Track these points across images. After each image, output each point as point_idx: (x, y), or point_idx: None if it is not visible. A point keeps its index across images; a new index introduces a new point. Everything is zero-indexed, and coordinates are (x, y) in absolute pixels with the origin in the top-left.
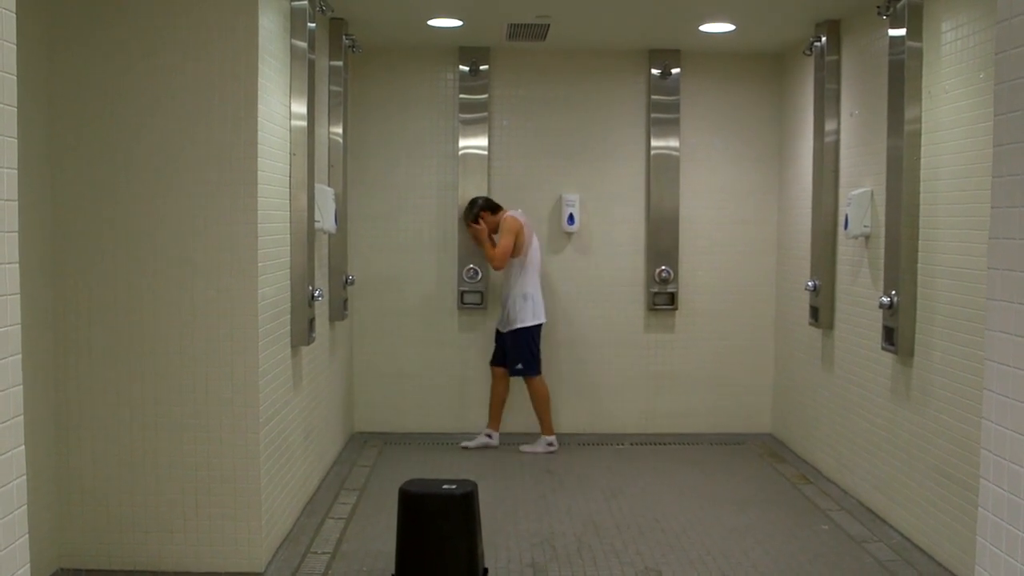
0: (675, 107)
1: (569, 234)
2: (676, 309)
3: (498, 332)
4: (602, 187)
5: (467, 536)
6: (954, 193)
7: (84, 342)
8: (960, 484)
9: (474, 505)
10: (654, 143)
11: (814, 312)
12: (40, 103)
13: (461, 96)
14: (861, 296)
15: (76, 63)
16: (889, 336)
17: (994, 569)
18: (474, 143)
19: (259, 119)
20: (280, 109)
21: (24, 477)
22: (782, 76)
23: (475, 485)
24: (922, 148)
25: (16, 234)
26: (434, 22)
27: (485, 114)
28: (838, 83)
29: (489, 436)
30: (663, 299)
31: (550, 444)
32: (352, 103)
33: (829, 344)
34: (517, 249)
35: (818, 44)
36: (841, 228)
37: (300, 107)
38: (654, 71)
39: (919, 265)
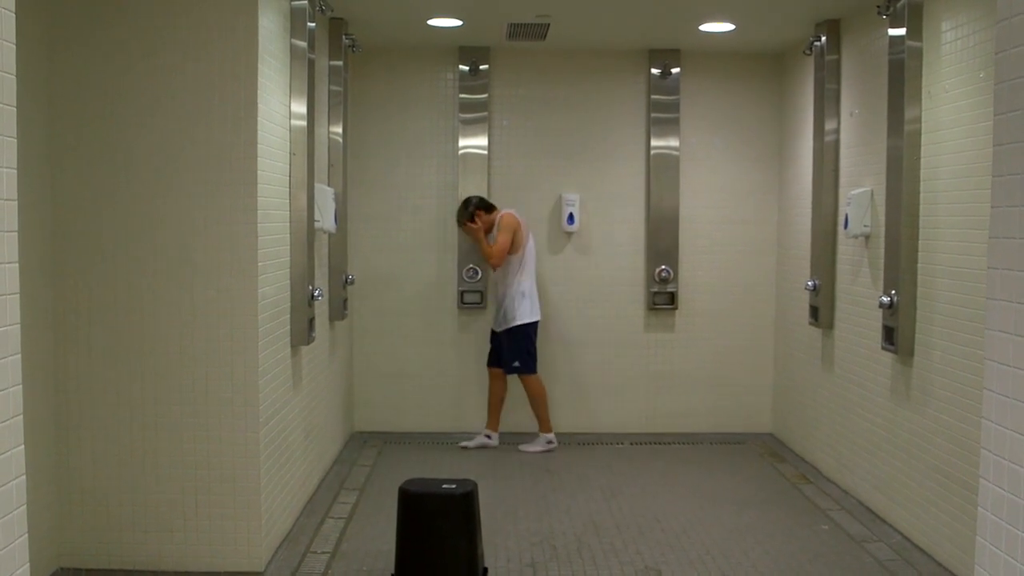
0: (675, 107)
1: (569, 234)
2: (676, 309)
3: (493, 332)
4: (602, 187)
5: (467, 536)
6: (954, 193)
7: (84, 342)
8: (960, 484)
9: (474, 505)
10: (654, 143)
11: (814, 312)
12: (40, 103)
13: (461, 96)
14: (861, 296)
15: (76, 63)
16: (889, 336)
17: (994, 569)
18: (474, 143)
19: (259, 119)
20: (280, 109)
21: (24, 477)
22: (782, 76)
23: (475, 485)
24: (922, 148)
25: (16, 234)
26: (434, 22)
27: (485, 114)
28: (838, 83)
29: (488, 437)
30: (663, 299)
31: (549, 442)
32: (352, 103)
33: (829, 344)
34: (515, 246)
35: (818, 44)
36: (841, 228)
37: (300, 107)
38: (654, 71)
39: (919, 265)
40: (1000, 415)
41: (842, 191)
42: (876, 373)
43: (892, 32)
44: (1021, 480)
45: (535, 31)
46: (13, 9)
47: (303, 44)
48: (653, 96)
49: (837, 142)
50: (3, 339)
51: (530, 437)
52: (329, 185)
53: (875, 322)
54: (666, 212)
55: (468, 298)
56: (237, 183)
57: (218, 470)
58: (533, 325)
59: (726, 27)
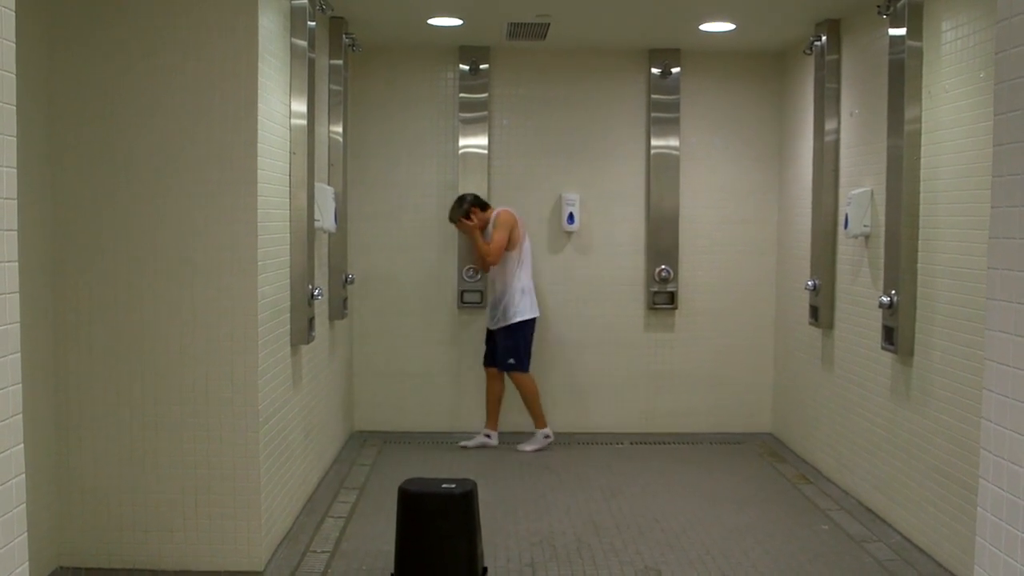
0: (675, 106)
1: (569, 233)
2: (676, 308)
3: (488, 331)
4: (602, 186)
5: (467, 535)
6: (954, 192)
7: (84, 341)
8: (960, 484)
9: (474, 504)
10: (654, 142)
11: (814, 311)
12: (40, 102)
13: (461, 95)
14: (861, 296)
15: (76, 63)
16: (889, 336)
17: (993, 569)
18: (474, 142)
19: (259, 118)
20: (280, 108)
21: (23, 475)
22: (782, 75)
23: (475, 484)
24: (922, 148)
25: (16, 232)
26: (434, 21)
27: (485, 113)
28: (838, 82)
29: (488, 436)
30: (663, 298)
31: (547, 436)
32: (352, 102)
33: (829, 344)
34: (512, 243)
35: (818, 43)
36: (841, 227)
37: (300, 106)
38: (654, 70)
39: (919, 265)
40: (1000, 415)
41: (842, 191)
42: (876, 373)
43: (892, 32)
44: (1021, 480)
45: (535, 31)
46: (13, 8)
47: (303, 43)
48: (653, 96)
49: (837, 142)
50: (3, 338)
51: (527, 437)
52: (329, 184)
53: (875, 322)
54: (666, 212)
55: (468, 297)
56: (237, 182)
57: (218, 469)
58: (532, 322)
59: (726, 27)
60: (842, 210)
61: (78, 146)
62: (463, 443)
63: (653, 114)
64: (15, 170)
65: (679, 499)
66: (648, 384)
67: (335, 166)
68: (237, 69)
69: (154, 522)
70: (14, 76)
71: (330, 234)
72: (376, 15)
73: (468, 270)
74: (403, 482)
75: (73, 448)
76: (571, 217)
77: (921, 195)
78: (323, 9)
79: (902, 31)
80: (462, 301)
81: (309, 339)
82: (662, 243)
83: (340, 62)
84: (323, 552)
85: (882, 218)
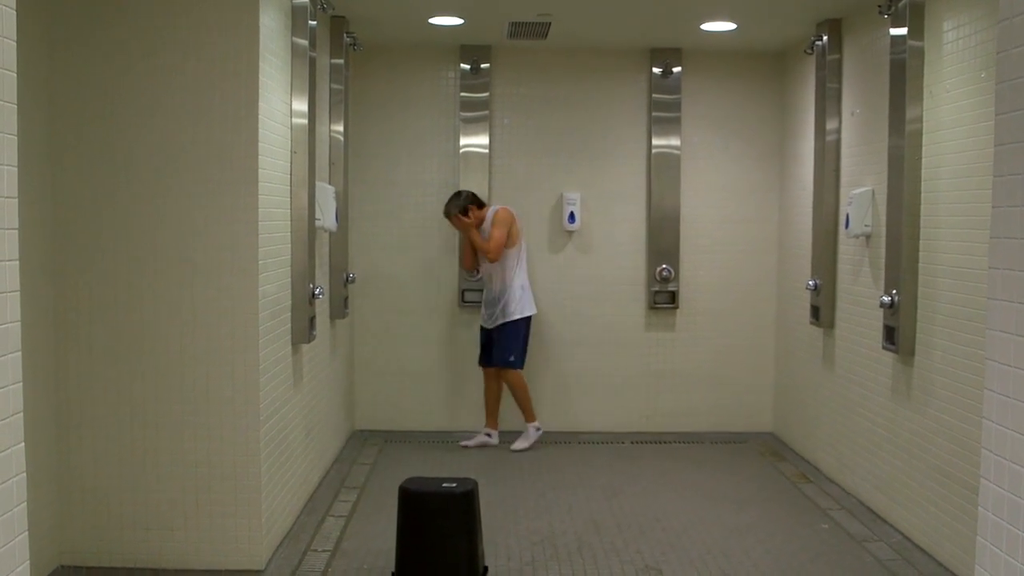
0: (676, 106)
1: (570, 232)
2: (677, 308)
3: (483, 330)
4: (603, 185)
5: (467, 534)
6: (955, 192)
7: (84, 340)
8: (961, 484)
9: (474, 503)
10: (655, 142)
11: (815, 311)
12: (40, 102)
13: (462, 94)
14: (862, 295)
15: (76, 63)
16: (890, 335)
17: (994, 569)
18: (475, 141)
19: (260, 117)
20: (281, 107)
21: (24, 474)
22: (783, 75)
23: (475, 483)
24: (923, 147)
25: (16, 231)
26: (435, 20)
27: (486, 112)
28: (839, 82)
29: (488, 435)
30: (664, 298)
31: (537, 429)
32: (353, 101)
33: (830, 343)
34: (511, 240)
35: (819, 43)
36: (842, 227)
37: (301, 105)
38: (655, 70)
39: (920, 264)
40: (1001, 415)
41: (843, 190)
42: (877, 373)
43: (893, 32)
44: (1021, 480)
45: (536, 30)
46: (14, 7)
47: (304, 42)
48: (654, 95)
49: (838, 141)
50: (3, 337)
51: (519, 435)
52: (330, 183)
53: (876, 322)
54: (667, 211)
55: (469, 296)
56: (238, 182)
57: (219, 468)
58: (530, 319)
59: (727, 26)
60: (843, 210)
61: (78, 146)
62: (464, 442)
63: (654, 113)
64: (16, 169)
65: (680, 498)
66: (649, 383)
67: (336, 165)
68: (238, 68)
69: (155, 521)
70: (15, 75)
71: (331, 233)
72: (377, 14)
73: (474, 272)
74: (404, 481)
75: (74, 447)
76: (572, 216)
77: (922, 195)
78: (324, 8)
79: (903, 31)
80: (463, 300)
81: (310, 338)
82: (663, 242)
83: (341, 61)
84: (324, 551)
85: (883, 218)
